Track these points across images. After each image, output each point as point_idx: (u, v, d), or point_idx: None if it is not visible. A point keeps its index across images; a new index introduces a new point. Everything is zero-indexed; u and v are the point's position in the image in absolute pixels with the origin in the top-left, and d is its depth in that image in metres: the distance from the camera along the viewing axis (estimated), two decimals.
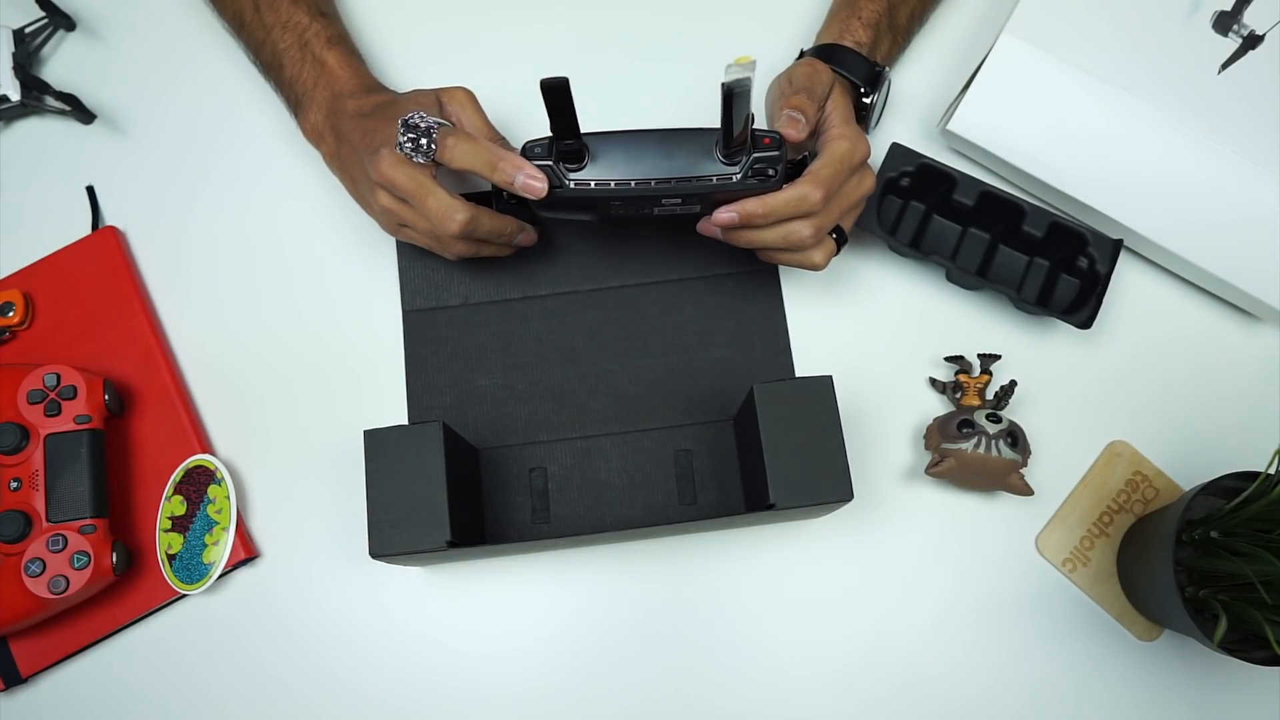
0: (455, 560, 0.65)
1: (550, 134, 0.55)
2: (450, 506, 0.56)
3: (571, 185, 0.56)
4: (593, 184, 0.56)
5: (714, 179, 0.56)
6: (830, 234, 0.62)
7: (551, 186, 0.56)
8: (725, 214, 0.58)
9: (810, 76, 0.61)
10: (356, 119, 0.62)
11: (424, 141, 0.57)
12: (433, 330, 0.69)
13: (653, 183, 0.56)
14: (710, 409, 0.68)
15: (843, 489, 0.56)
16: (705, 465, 0.67)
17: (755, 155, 0.56)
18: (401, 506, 0.56)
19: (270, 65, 0.68)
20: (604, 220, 0.61)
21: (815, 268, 0.62)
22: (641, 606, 0.65)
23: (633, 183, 0.56)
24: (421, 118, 0.58)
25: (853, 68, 0.66)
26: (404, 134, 0.57)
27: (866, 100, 0.66)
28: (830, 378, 0.58)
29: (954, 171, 0.68)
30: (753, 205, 0.57)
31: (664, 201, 0.58)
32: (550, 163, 0.56)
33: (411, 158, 0.58)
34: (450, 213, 0.58)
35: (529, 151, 0.56)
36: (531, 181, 0.56)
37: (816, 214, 0.58)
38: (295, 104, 0.67)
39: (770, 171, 0.56)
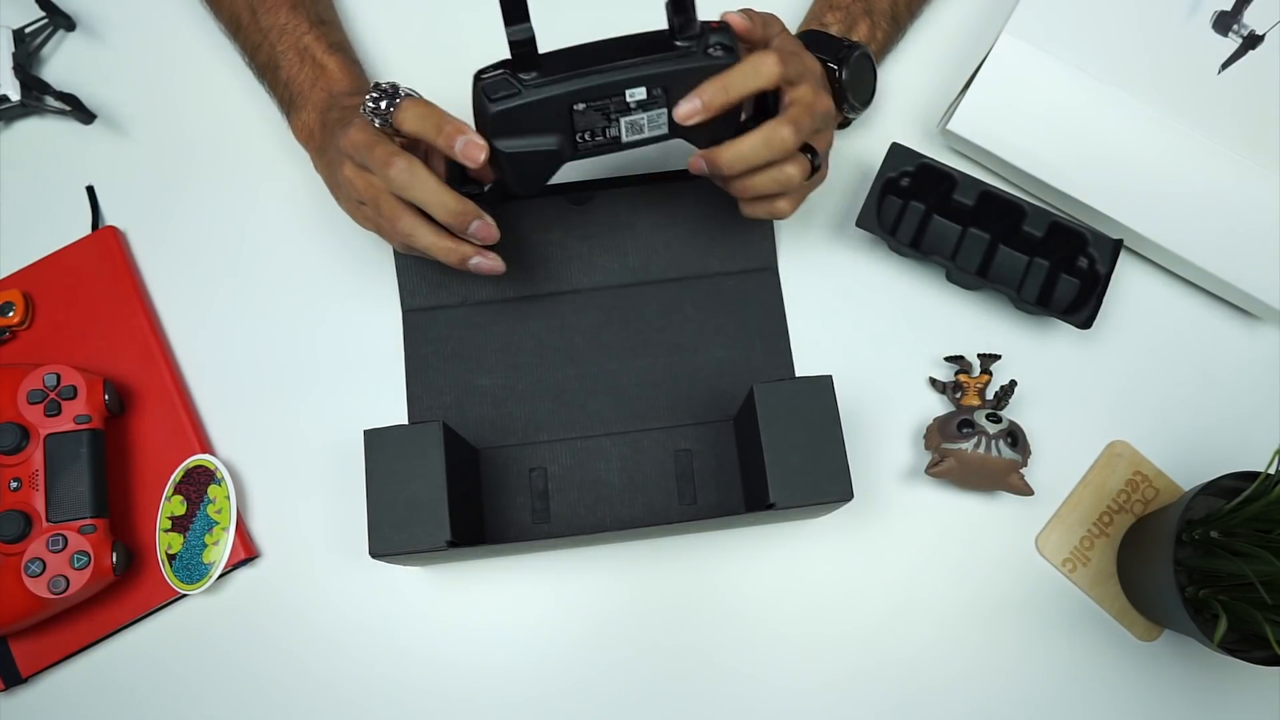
0: (455, 560, 0.65)
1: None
2: (450, 506, 0.56)
3: (527, 88, 0.53)
4: (549, 84, 0.53)
5: (673, 56, 0.54)
6: (805, 154, 0.59)
7: (506, 97, 0.53)
8: (687, 104, 0.55)
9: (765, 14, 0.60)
10: (346, 110, 0.63)
11: (384, 103, 0.56)
12: (432, 330, 0.69)
13: (612, 70, 0.54)
14: (710, 409, 0.68)
15: (843, 489, 0.56)
16: (705, 465, 0.67)
17: (709, 35, 0.54)
18: (401, 506, 0.56)
19: (266, 66, 0.68)
20: (578, 162, 0.58)
21: (791, 182, 0.58)
22: (642, 606, 0.65)
23: (591, 73, 0.53)
24: (394, 86, 0.56)
25: (820, 47, 0.65)
26: (370, 95, 0.56)
27: (839, 78, 0.65)
28: (830, 378, 0.58)
29: (954, 171, 0.68)
30: (711, 89, 0.55)
31: (629, 102, 0.55)
32: (504, 72, 0.53)
33: (371, 121, 0.56)
34: (392, 157, 0.55)
35: (481, 73, 0.54)
36: (472, 148, 0.54)
37: (789, 112, 0.56)
38: (289, 104, 0.67)
39: (728, 45, 0.55)
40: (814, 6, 0.71)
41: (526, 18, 0.52)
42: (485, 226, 0.57)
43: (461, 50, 0.75)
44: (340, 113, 0.63)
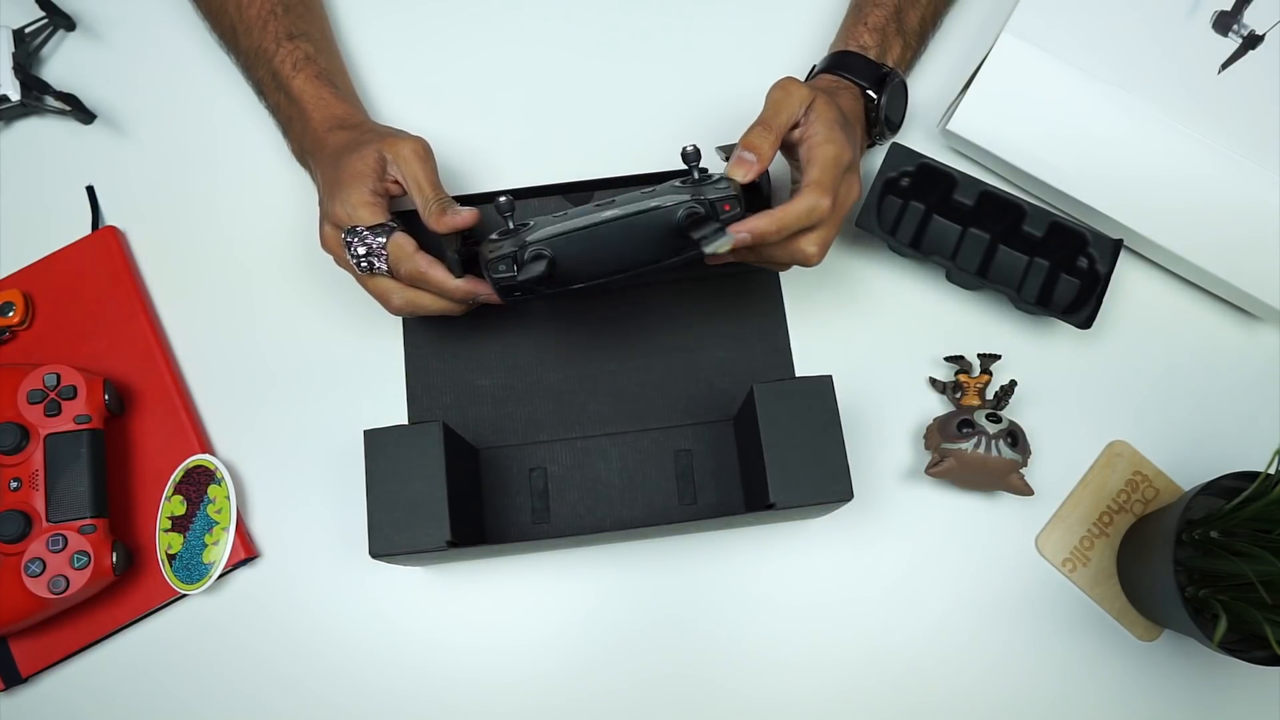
0: (455, 560, 0.65)
1: (505, 239, 0.56)
2: (450, 506, 0.56)
3: (546, 291, 0.56)
4: (558, 289, 0.57)
5: (676, 246, 0.56)
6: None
7: (522, 298, 0.57)
8: (738, 234, 0.56)
9: (778, 102, 0.59)
10: (321, 166, 0.63)
11: (370, 260, 0.60)
12: (432, 330, 0.69)
13: (617, 273, 0.56)
14: (710, 409, 0.68)
15: (843, 489, 0.56)
16: (705, 465, 0.67)
17: (721, 220, 0.55)
18: (401, 506, 0.56)
19: (256, 92, 0.70)
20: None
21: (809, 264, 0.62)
22: (641, 606, 0.65)
23: (596, 278, 0.57)
24: (361, 239, 0.59)
25: (857, 71, 0.66)
26: (351, 256, 0.60)
27: (876, 102, 0.66)
28: (830, 378, 0.58)
29: (954, 171, 0.68)
30: (764, 224, 0.56)
31: None
32: (515, 278, 0.55)
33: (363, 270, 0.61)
34: (388, 295, 0.61)
35: (495, 271, 0.56)
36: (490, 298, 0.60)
37: (823, 225, 0.58)
38: (281, 130, 0.69)
39: (735, 215, 0.56)
40: (847, 23, 0.70)
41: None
42: (490, 297, 0.60)
43: (454, 81, 0.76)
44: (318, 168, 0.63)
